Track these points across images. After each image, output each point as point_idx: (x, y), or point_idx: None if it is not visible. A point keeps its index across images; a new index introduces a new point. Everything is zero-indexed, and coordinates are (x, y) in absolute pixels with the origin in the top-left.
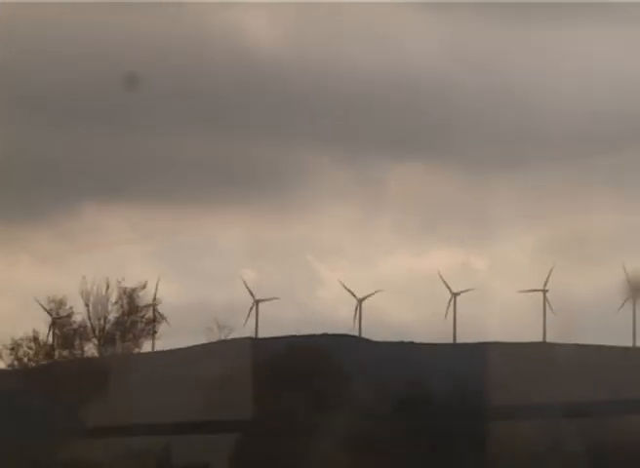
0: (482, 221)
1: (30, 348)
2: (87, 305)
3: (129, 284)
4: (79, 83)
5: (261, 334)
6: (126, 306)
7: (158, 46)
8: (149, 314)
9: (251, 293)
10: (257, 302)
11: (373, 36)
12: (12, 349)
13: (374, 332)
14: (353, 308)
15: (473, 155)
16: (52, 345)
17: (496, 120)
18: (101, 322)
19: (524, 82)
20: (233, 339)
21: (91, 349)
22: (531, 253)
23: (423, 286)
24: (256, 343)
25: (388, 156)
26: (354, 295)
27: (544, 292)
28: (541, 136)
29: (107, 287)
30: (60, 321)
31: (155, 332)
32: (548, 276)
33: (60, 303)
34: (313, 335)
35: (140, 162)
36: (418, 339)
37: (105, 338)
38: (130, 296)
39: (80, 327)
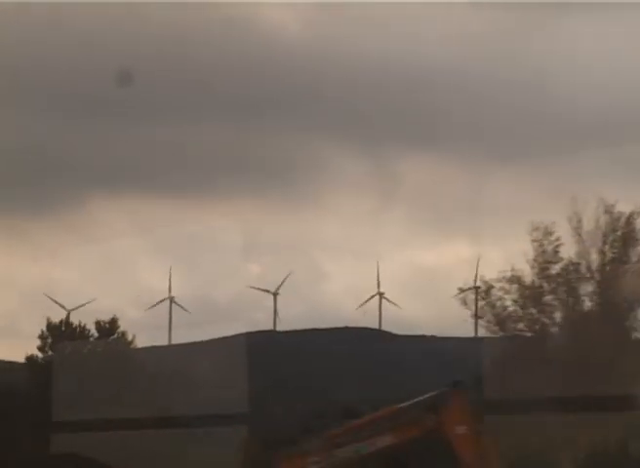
0: (496, 215)
1: (507, 292)
2: (579, 235)
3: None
4: (83, 74)
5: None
6: (621, 237)
7: (170, 36)
8: None
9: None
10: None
11: (389, 28)
12: (485, 292)
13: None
14: (362, 300)
15: (490, 147)
16: (538, 287)
17: (513, 111)
18: (602, 257)
19: (542, 73)
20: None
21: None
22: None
23: (433, 279)
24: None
25: (403, 147)
26: (379, 286)
27: None
28: (561, 127)
29: (605, 212)
30: (544, 257)
31: None
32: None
33: (546, 231)
34: (336, 328)
35: (147, 153)
36: (428, 333)
37: (607, 282)
38: (628, 223)
39: (571, 265)
